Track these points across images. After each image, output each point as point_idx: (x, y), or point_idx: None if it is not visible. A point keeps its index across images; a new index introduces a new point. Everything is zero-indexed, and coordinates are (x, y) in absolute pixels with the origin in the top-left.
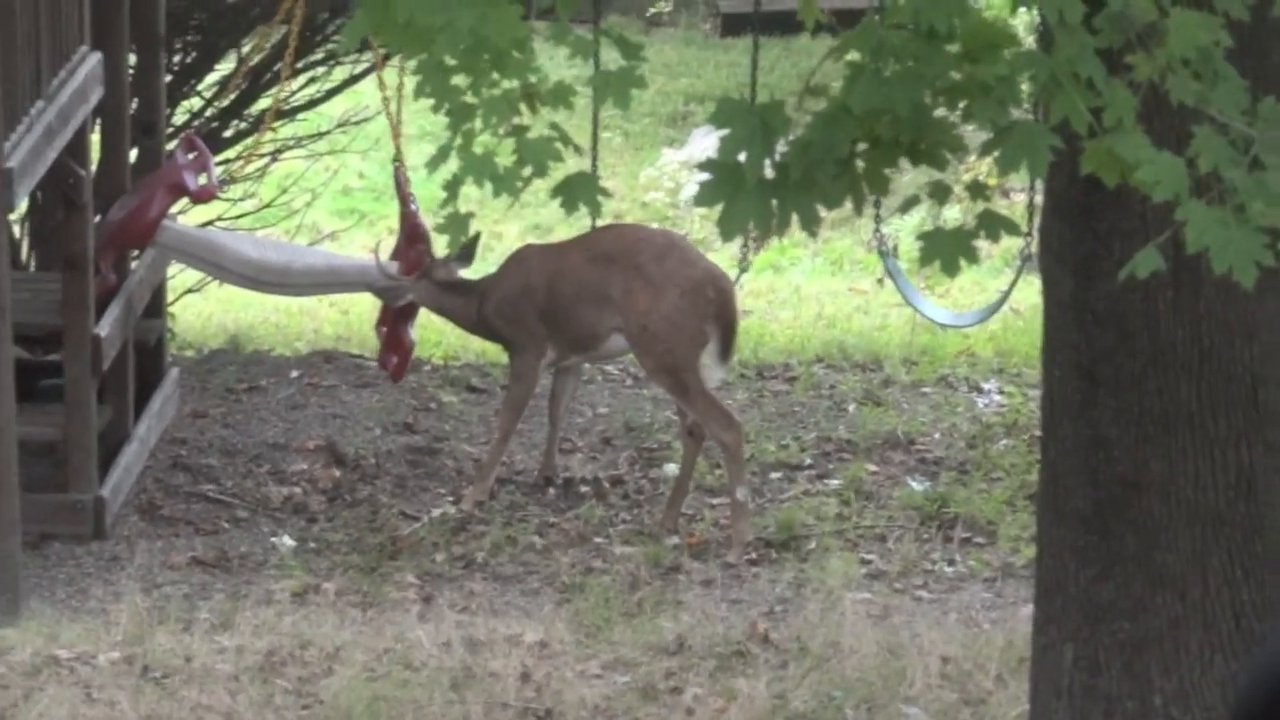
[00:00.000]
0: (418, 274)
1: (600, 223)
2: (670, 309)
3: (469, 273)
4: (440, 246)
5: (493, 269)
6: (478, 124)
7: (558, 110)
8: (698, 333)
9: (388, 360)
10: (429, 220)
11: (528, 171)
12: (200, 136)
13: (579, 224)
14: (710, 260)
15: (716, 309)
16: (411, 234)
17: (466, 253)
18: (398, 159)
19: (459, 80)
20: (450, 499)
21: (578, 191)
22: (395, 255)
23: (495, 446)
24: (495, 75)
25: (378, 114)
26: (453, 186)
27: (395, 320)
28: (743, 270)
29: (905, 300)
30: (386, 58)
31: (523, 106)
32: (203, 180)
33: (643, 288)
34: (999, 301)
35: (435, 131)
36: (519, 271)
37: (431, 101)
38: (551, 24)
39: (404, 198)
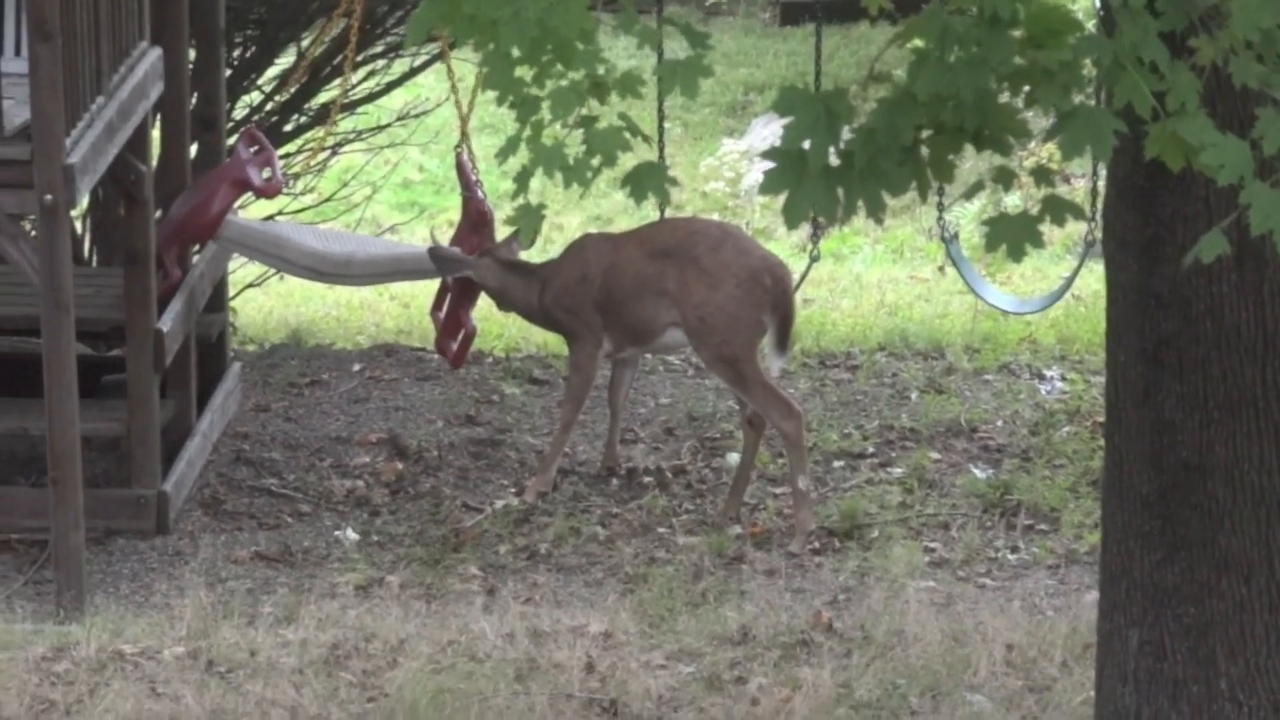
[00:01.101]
0: (481, 252)
1: (664, 213)
2: (726, 299)
3: (527, 256)
4: (504, 233)
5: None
6: (546, 115)
7: (625, 100)
8: (754, 322)
9: (445, 346)
10: (498, 211)
11: (597, 161)
12: (261, 131)
13: (640, 214)
14: (766, 249)
15: (773, 298)
16: (476, 220)
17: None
18: (460, 144)
19: (522, 72)
20: (513, 491)
21: (646, 181)
22: (455, 242)
23: (557, 437)
24: (560, 67)
25: (437, 106)
26: (523, 178)
27: (455, 304)
28: (814, 260)
29: (968, 287)
30: (453, 45)
31: (591, 97)
32: (267, 175)
33: (698, 279)
34: (1063, 287)
35: (497, 123)
36: (577, 261)
37: (494, 93)
38: (618, 14)
39: (468, 182)
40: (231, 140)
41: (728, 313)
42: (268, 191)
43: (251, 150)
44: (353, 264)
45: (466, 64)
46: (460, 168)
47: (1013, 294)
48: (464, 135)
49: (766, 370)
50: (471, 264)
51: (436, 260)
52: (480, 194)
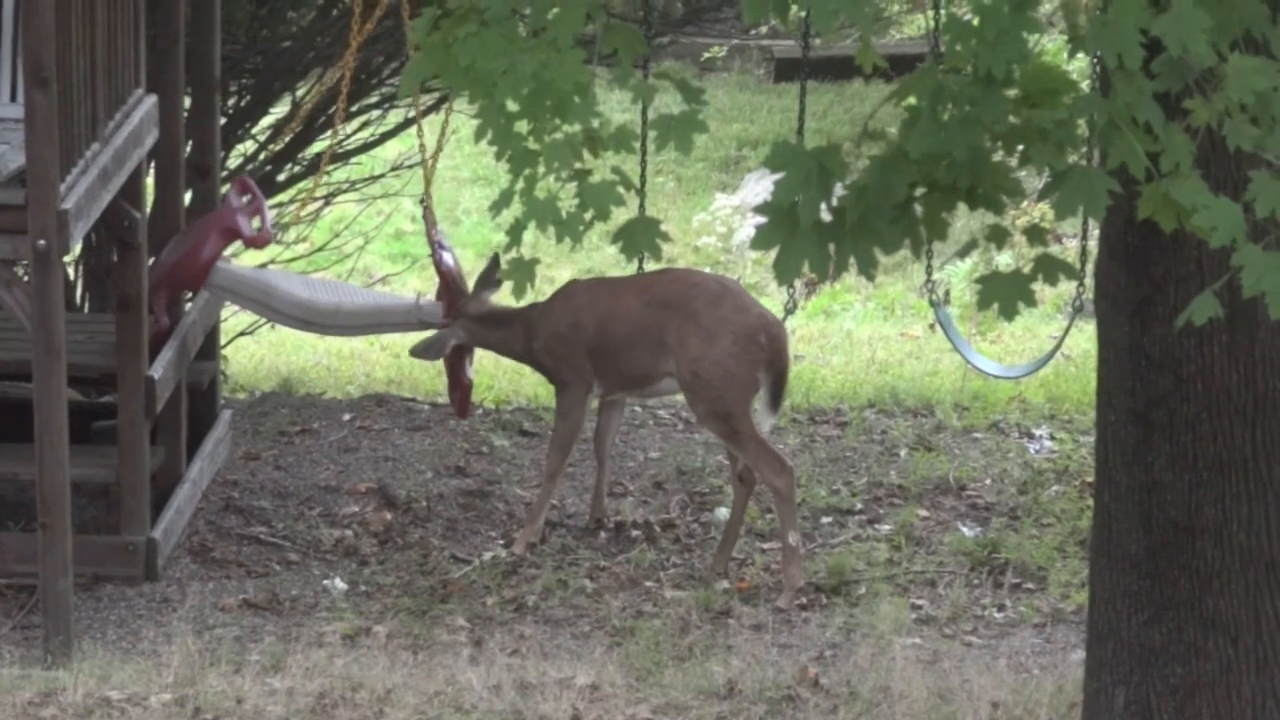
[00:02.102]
0: (453, 315)
1: (652, 267)
2: (722, 355)
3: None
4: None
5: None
6: (540, 169)
7: (619, 154)
8: (749, 379)
9: (454, 396)
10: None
11: (589, 215)
12: (254, 179)
13: (634, 267)
14: (763, 306)
15: (769, 356)
16: (446, 281)
17: (491, 277)
18: (424, 199)
19: (520, 126)
20: (501, 542)
21: (639, 236)
22: (440, 296)
23: (544, 488)
24: (557, 120)
25: (430, 157)
26: (516, 231)
27: (452, 359)
28: (789, 312)
29: (956, 351)
30: (425, 113)
31: (584, 151)
32: (257, 225)
33: (695, 333)
34: (1049, 353)
35: (489, 175)
36: (566, 308)
37: (486, 144)
38: (613, 69)
39: (431, 240)
40: (225, 188)
41: (724, 369)
42: (258, 242)
43: (243, 199)
44: (340, 314)
45: (459, 115)
46: (426, 224)
47: (1002, 354)
48: (427, 194)
49: (758, 426)
50: (451, 333)
51: (423, 353)
52: (440, 253)
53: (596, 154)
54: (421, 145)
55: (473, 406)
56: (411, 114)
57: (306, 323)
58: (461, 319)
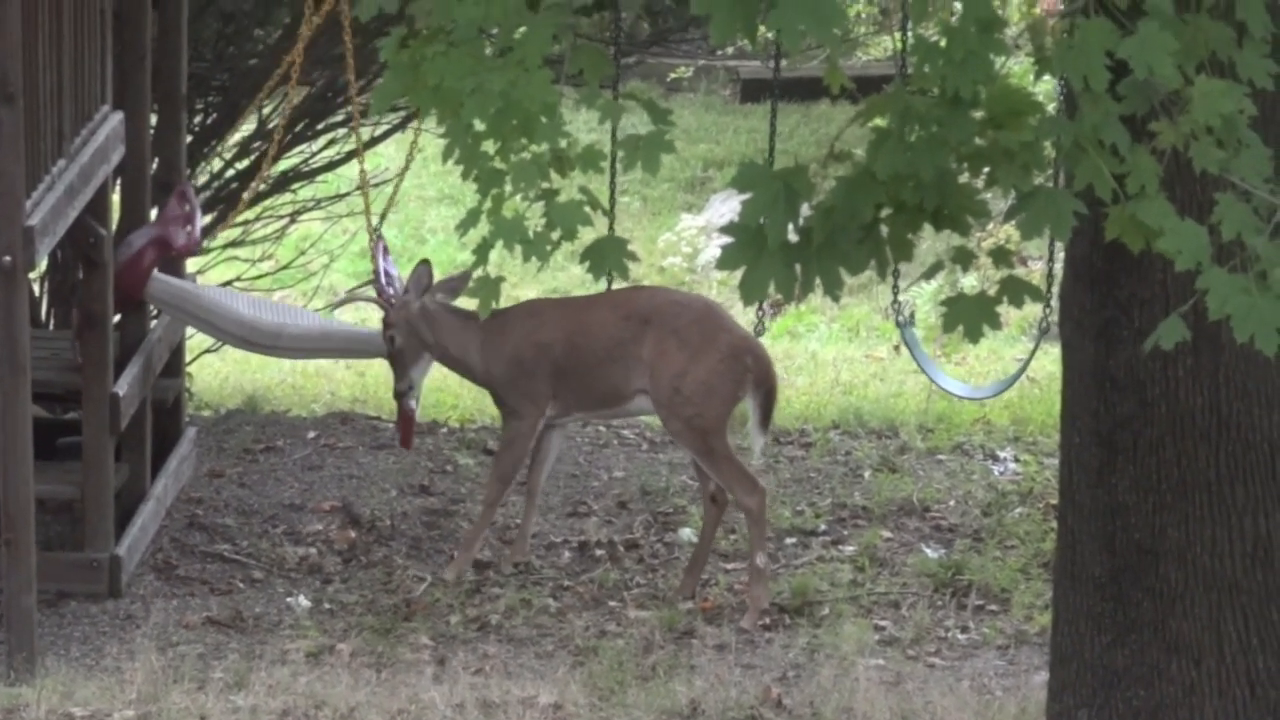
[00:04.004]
0: (401, 305)
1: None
2: (707, 373)
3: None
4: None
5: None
6: (507, 188)
7: (586, 174)
8: (730, 397)
9: (398, 426)
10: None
11: (557, 235)
12: (194, 189)
13: (599, 286)
14: (746, 329)
15: (755, 377)
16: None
17: (456, 285)
18: (378, 231)
19: (488, 146)
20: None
21: (606, 255)
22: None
23: (482, 516)
24: (524, 140)
25: (396, 176)
26: (483, 250)
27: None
28: (758, 335)
29: (922, 371)
30: (368, 145)
31: (552, 171)
32: (182, 238)
33: (678, 348)
34: (1016, 374)
35: (455, 194)
36: (529, 329)
37: (453, 163)
38: (580, 89)
39: (378, 270)
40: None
41: (707, 386)
42: (184, 251)
43: (184, 208)
44: (283, 336)
45: (427, 134)
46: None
47: (967, 376)
48: (382, 222)
49: (748, 449)
50: (398, 322)
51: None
52: (386, 283)
53: (564, 174)
54: (363, 172)
55: (436, 425)
56: (377, 133)
57: (249, 342)
58: (408, 309)
